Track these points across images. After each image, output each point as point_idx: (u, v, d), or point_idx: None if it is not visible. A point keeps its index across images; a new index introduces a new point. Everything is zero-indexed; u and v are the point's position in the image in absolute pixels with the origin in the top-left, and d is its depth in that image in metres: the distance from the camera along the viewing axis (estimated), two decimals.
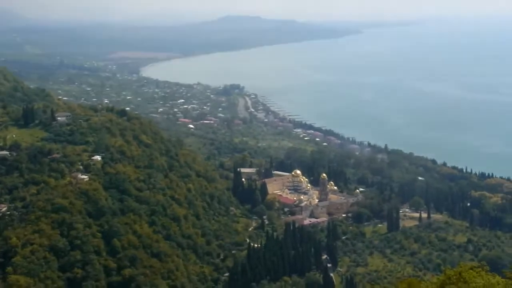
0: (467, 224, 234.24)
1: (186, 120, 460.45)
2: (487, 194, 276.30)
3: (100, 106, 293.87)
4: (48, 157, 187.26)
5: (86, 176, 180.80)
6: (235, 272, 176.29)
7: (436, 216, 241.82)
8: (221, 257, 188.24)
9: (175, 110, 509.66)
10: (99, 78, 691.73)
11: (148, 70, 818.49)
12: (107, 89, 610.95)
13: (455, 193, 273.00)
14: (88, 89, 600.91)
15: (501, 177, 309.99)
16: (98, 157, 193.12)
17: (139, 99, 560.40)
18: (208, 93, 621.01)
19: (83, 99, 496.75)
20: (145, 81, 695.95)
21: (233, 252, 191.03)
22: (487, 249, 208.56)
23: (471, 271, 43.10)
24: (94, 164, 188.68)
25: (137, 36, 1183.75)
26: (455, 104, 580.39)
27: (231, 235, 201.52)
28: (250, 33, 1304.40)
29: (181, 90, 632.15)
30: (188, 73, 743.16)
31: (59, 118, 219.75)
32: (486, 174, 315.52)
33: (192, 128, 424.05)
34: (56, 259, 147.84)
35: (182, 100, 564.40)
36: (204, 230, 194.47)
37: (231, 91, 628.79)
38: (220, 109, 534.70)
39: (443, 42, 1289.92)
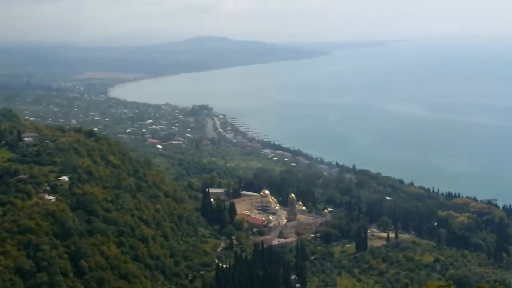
0: (434, 244, 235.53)
1: (155, 140, 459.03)
2: (454, 213, 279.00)
3: (67, 126, 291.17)
4: (15, 178, 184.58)
5: (53, 197, 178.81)
6: None
7: (403, 236, 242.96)
8: (190, 278, 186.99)
9: (143, 130, 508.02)
10: (67, 98, 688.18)
11: (116, 91, 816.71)
12: (75, 109, 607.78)
13: (423, 213, 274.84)
14: (56, 109, 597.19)
15: (467, 197, 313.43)
16: (65, 178, 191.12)
17: (107, 119, 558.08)
18: (177, 114, 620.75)
19: (50, 119, 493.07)
20: (113, 101, 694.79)
21: (201, 272, 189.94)
22: (454, 268, 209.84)
23: None
24: (61, 185, 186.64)
25: (105, 56, 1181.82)
26: (421, 124, 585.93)
27: (200, 256, 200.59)
28: (218, 54, 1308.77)
29: (149, 111, 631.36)
30: (156, 94, 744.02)
31: (25, 138, 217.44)
32: (453, 194, 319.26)
33: (160, 148, 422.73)
34: (22, 281, 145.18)
35: (151, 121, 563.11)
36: (173, 251, 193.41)
37: (199, 112, 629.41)
38: (188, 129, 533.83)
39: (408, 63, 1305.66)
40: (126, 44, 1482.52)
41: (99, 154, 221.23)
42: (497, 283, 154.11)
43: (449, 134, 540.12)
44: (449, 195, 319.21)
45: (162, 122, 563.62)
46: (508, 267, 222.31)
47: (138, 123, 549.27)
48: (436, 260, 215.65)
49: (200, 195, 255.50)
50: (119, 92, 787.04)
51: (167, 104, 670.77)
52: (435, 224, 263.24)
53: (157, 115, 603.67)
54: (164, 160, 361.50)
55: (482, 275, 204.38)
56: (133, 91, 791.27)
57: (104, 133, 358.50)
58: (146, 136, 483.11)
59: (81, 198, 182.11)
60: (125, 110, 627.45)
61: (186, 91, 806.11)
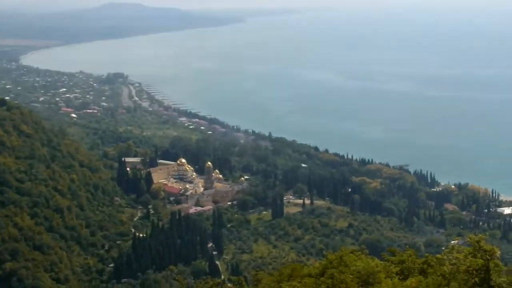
0: (348, 210, 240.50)
1: (69, 109, 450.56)
2: (367, 179, 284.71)
3: None
4: None
5: None
6: (120, 262, 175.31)
7: (318, 202, 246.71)
8: (106, 247, 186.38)
9: (57, 99, 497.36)
10: None
11: (28, 58, 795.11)
12: None
13: (337, 179, 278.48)
14: None
15: (380, 163, 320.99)
16: None
17: (19, 88, 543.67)
18: (91, 82, 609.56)
19: None
20: (25, 69, 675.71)
21: (118, 242, 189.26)
22: (367, 233, 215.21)
23: (351, 255, 44.33)
24: None
25: (15, 22, 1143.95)
26: (336, 91, 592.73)
27: (116, 226, 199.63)
28: (133, 21, 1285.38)
29: (63, 79, 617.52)
30: (70, 62, 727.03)
31: None
32: (366, 160, 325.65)
33: (74, 117, 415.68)
34: None
35: (64, 89, 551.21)
36: (88, 221, 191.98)
37: (114, 80, 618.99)
38: (103, 98, 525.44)
39: (324, 31, 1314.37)
40: (38, 10, 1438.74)
41: (11, 124, 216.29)
42: (407, 246, 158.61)
43: (365, 101, 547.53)
44: (363, 162, 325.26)
45: (76, 90, 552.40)
46: (418, 231, 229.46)
47: (52, 91, 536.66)
48: (350, 226, 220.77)
49: (116, 165, 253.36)
50: (31, 60, 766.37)
51: (81, 72, 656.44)
52: (349, 190, 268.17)
53: (71, 84, 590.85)
54: (78, 129, 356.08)
55: (394, 239, 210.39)
56: (46, 59, 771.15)
57: (16, 102, 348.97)
58: (60, 105, 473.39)
59: None
60: (38, 79, 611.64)
61: (101, 58, 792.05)
